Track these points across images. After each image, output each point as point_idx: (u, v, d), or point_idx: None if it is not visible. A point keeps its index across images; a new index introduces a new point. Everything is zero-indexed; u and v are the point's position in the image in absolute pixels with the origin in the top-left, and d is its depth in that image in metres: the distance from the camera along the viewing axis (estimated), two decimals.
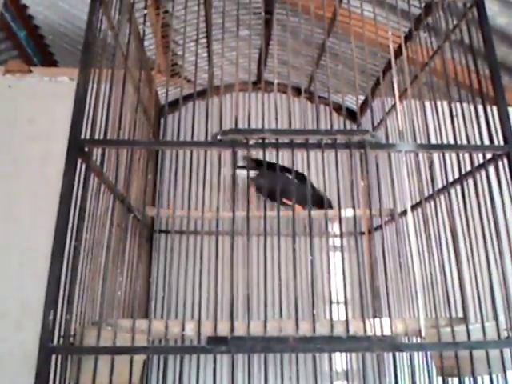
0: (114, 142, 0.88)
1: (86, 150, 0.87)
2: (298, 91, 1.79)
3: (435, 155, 0.98)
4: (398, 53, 1.25)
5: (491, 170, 0.93)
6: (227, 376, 1.26)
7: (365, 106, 1.78)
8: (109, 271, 0.90)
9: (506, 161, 0.90)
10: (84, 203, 0.87)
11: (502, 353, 0.80)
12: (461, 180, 0.94)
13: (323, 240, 1.59)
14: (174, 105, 1.41)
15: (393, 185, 0.93)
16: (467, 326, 0.81)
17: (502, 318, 0.88)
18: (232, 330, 0.75)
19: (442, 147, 0.91)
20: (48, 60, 3.04)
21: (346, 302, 0.82)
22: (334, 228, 1.68)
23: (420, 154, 0.94)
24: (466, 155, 0.95)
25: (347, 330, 0.75)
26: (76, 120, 0.85)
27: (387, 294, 0.96)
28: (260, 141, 0.84)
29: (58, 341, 0.79)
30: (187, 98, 1.51)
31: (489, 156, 0.94)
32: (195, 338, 0.82)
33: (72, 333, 0.83)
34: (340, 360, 1.55)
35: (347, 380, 1.51)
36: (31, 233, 1.68)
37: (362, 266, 1.53)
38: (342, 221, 0.90)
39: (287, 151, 0.87)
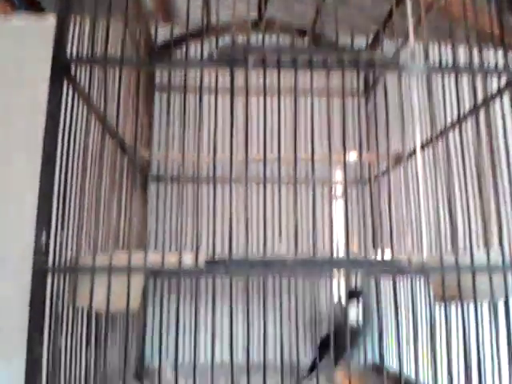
0: (103, 60, 0.82)
1: (73, 69, 0.82)
2: (302, 33, 1.68)
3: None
4: None
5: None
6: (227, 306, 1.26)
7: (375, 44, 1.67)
8: (101, 204, 0.87)
9: None
10: (71, 126, 0.83)
11: (505, 277, 0.79)
12: (476, 110, 0.89)
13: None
14: (166, 47, 1.35)
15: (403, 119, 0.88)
16: (471, 250, 0.79)
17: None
18: (230, 253, 0.73)
19: (455, 69, 0.85)
20: (35, 7, 2.91)
21: (347, 234, 0.79)
22: (338, 176, 1.64)
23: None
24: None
25: (347, 253, 0.74)
26: (61, 31, 0.79)
27: (391, 231, 0.94)
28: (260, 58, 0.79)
29: (53, 264, 0.77)
30: (181, 41, 1.44)
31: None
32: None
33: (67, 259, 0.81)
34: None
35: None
36: (28, 178, 1.64)
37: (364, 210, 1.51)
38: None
39: (290, 72, 0.82)
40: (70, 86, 0.83)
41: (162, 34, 1.46)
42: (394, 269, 0.74)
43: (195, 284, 0.76)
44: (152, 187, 1.56)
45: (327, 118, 0.86)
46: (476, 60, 0.89)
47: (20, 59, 1.76)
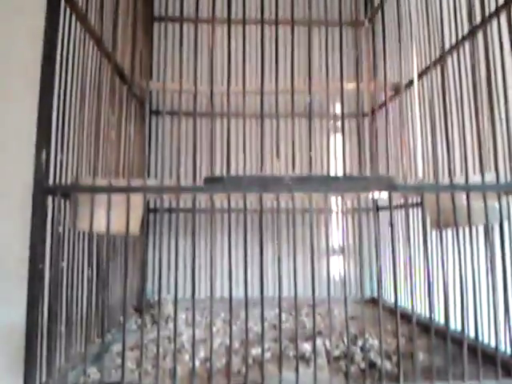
0: None
1: None
2: None
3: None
4: None
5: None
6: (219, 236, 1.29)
7: None
8: (100, 128, 0.87)
9: None
10: (68, 51, 0.81)
11: (499, 198, 0.80)
12: (473, 32, 0.87)
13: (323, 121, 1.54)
14: None
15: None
16: (466, 172, 0.80)
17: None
18: (228, 169, 0.74)
19: None
20: None
21: (343, 157, 0.80)
22: (336, 109, 1.63)
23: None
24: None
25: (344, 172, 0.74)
26: None
27: (387, 158, 0.95)
28: None
29: (54, 183, 0.78)
30: None
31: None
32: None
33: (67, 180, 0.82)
34: (337, 234, 1.60)
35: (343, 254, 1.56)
36: (27, 111, 1.63)
37: (363, 143, 1.51)
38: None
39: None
40: (68, 8, 0.81)
41: None
42: (390, 186, 0.74)
43: (193, 204, 0.77)
44: (152, 120, 1.56)
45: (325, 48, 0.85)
46: None
47: None
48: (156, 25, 1.66)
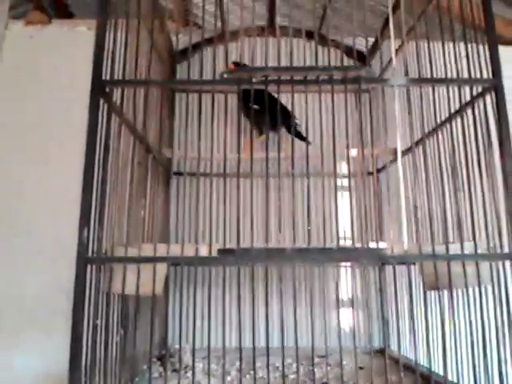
0: (132, 82, 0.98)
1: (107, 90, 0.97)
2: (307, 34, 1.81)
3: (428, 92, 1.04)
4: None
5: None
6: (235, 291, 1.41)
7: (374, 48, 1.80)
8: (132, 202, 1.03)
9: (493, 94, 0.96)
10: (108, 140, 0.98)
11: (477, 266, 0.91)
12: (450, 118, 1.01)
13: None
14: (186, 52, 1.48)
15: (385, 123, 1.01)
16: (446, 243, 0.91)
17: (483, 238, 0.98)
18: (238, 243, 0.87)
19: (432, 81, 0.97)
20: (64, 12, 3.07)
21: (337, 225, 0.92)
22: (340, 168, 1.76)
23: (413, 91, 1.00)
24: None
25: (337, 243, 0.87)
26: (97, 62, 0.95)
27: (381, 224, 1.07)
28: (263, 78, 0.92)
29: (92, 254, 0.93)
30: (198, 45, 1.58)
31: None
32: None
33: (103, 251, 0.97)
34: (346, 288, 1.70)
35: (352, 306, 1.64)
36: (62, 176, 1.82)
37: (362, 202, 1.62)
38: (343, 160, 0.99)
39: (288, 88, 0.95)
40: (105, 104, 0.98)
41: (181, 40, 1.62)
42: (379, 258, 0.86)
43: (209, 272, 0.91)
44: (173, 182, 1.72)
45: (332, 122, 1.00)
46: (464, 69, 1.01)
47: (55, 65, 1.93)
48: (177, 95, 1.84)
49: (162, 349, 1.67)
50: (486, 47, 0.98)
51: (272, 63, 1.01)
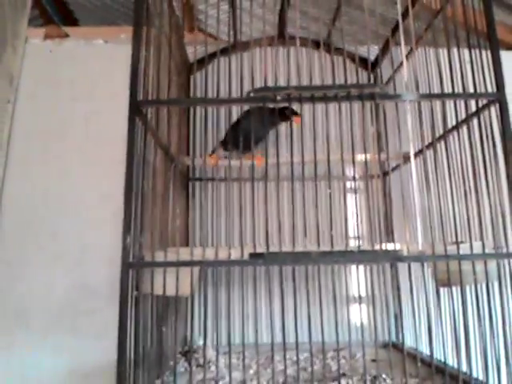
0: (164, 102, 1.06)
1: (144, 111, 1.06)
2: (318, 44, 1.90)
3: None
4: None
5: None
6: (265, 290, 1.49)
7: (382, 56, 1.88)
8: (162, 208, 1.12)
9: (497, 106, 1.05)
10: (143, 155, 1.07)
11: (485, 264, 1.00)
12: (457, 126, 1.10)
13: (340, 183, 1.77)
14: (202, 62, 1.57)
15: (399, 131, 1.10)
16: (457, 244, 1.00)
17: (489, 238, 1.07)
18: (268, 247, 0.97)
19: (441, 96, 1.06)
20: (68, 18, 3.13)
21: (357, 227, 1.01)
22: (351, 172, 1.85)
23: (423, 103, 1.09)
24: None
25: (358, 246, 0.96)
26: (133, 83, 1.03)
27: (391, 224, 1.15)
28: (286, 96, 1.01)
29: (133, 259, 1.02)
30: (213, 55, 1.67)
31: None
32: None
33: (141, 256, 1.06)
34: (357, 286, 1.79)
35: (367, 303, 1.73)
36: (83, 184, 1.91)
37: (375, 203, 1.71)
38: (358, 165, 1.08)
39: (309, 104, 1.04)
40: (141, 123, 1.07)
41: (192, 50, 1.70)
42: (395, 258, 0.95)
43: (241, 273, 1.00)
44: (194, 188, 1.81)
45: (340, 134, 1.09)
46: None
47: (74, 77, 2.02)
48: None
49: (185, 345, 1.76)
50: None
51: (280, 72, 1.10)
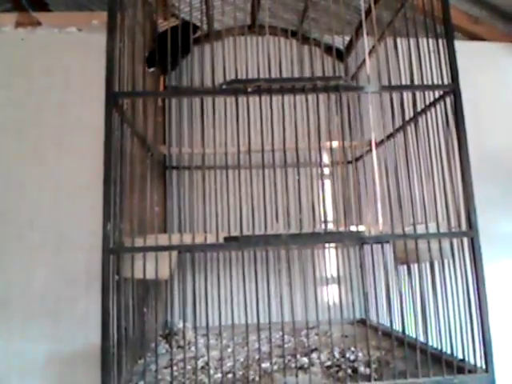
0: (141, 94, 1.11)
1: (120, 101, 1.10)
2: (292, 33, 1.94)
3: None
4: None
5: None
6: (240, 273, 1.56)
7: (351, 46, 1.95)
8: (141, 196, 1.17)
9: (452, 97, 1.14)
10: (121, 145, 1.12)
11: (439, 243, 1.09)
12: (415, 116, 1.19)
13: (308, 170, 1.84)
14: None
15: (361, 122, 1.17)
16: (414, 224, 1.10)
17: (444, 219, 1.16)
18: (241, 232, 1.03)
19: (400, 88, 1.14)
20: (38, 2, 3.05)
21: (325, 213, 1.09)
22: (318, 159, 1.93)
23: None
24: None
25: (325, 228, 1.04)
26: (109, 75, 1.07)
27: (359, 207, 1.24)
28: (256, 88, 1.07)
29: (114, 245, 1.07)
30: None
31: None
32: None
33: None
34: (329, 268, 1.88)
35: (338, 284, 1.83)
36: (59, 172, 1.92)
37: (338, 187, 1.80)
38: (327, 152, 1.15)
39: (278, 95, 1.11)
40: (117, 114, 1.12)
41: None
42: (359, 239, 1.04)
43: (217, 258, 1.06)
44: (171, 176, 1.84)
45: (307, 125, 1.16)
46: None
47: (47, 66, 2.01)
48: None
49: (166, 329, 1.83)
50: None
51: (251, 63, 1.16)
